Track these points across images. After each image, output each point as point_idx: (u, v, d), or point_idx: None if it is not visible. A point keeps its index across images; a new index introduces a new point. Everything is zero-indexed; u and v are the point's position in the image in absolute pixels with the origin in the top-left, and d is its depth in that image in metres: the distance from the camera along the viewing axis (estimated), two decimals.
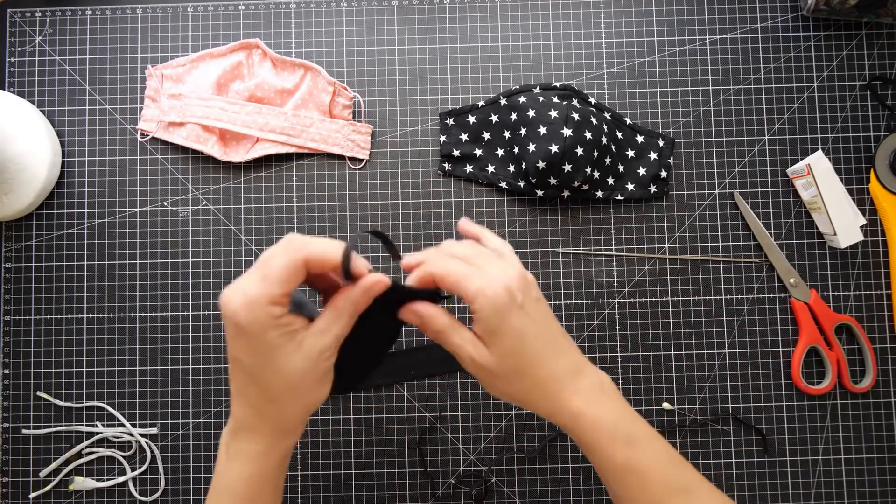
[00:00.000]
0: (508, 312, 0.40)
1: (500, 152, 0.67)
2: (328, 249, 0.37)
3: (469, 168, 0.68)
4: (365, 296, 0.39)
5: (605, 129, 0.64)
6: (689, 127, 0.68)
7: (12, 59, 0.69)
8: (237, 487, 0.40)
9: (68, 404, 0.66)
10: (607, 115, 0.67)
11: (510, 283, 0.40)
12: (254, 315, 0.36)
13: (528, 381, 0.42)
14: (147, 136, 0.68)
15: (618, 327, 0.67)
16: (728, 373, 0.66)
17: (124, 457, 0.66)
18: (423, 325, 0.42)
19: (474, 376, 0.43)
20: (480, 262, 0.42)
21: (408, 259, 0.43)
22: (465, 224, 0.47)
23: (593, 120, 0.63)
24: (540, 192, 0.65)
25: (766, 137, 0.68)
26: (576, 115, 0.62)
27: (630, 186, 0.67)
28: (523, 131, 0.64)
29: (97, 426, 0.66)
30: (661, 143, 0.67)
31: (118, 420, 0.66)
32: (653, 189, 0.67)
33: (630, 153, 0.67)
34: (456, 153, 0.68)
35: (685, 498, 0.42)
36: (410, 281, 0.42)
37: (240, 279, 0.37)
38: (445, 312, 0.42)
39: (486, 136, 0.68)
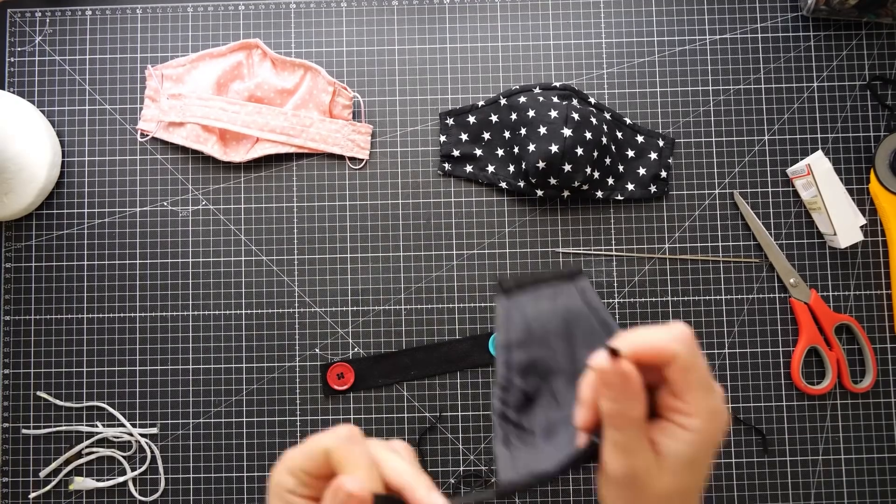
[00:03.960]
0: (713, 450, 0.32)
1: (500, 152, 0.67)
2: (354, 463, 0.31)
3: (469, 168, 0.68)
4: None
5: (605, 129, 0.64)
6: (689, 127, 0.68)
7: (12, 59, 0.69)
8: None
9: (68, 404, 0.66)
10: (607, 115, 0.67)
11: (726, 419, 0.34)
12: (274, 473, 0.33)
13: None
14: (147, 136, 0.68)
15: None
16: (728, 373, 0.66)
17: (124, 457, 0.66)
18: (609, 393, 0.31)
19: (608, 485, 0.33)
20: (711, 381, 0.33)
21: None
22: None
23: (593, 120, 0.63)
24: (540, 192, 0.65)
25: (766, 137, 0.68)
26: (576, 115, 0.62)
27: (630, 186, 0.67)
28: (523, 131, 0.64)
29: (97, 426, 0.66)
30: (661, 143, 0.67)
31: (118, 420, 0.66)
32: (653, 189, 0.67)
33: (630, 153, 0.67)
34: (456, 153, 0.68)
35: None
36: (624, 342, 0.32)
37: None
38: (644, 402, 0.31)
39: (486, 136, 0.68)
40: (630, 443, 0.31)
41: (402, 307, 0.67)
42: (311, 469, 0.32)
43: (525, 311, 0.44)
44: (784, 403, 0.66)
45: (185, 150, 0.68)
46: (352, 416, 0.66)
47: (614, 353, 0.30)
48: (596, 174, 0.65)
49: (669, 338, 0.31)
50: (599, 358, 0.31)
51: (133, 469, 0.66)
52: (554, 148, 0.62)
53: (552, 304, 0.44)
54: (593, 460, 0.34)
